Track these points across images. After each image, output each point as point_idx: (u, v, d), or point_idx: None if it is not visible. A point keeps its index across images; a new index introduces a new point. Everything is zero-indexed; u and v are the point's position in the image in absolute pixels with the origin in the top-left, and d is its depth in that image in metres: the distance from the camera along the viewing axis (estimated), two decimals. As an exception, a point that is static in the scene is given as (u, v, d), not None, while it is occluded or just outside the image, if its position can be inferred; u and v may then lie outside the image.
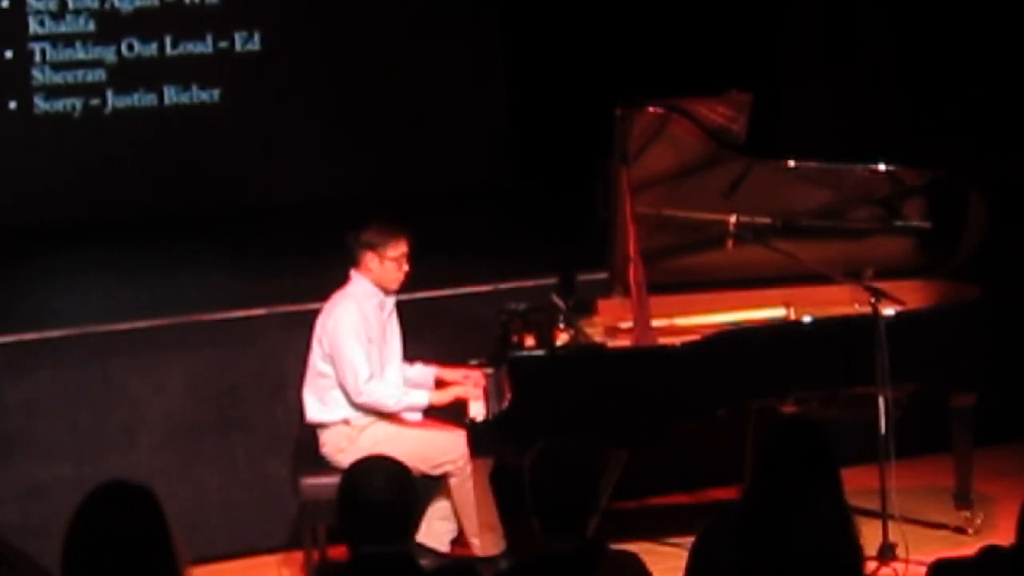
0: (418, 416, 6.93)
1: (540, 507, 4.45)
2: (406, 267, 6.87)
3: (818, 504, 3.17)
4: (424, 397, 6.90)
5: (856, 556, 3.19)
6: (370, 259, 6.83)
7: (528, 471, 4.51)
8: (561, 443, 4.59)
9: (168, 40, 10.56)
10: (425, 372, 7.09)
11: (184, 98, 10.61)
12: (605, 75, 10.10)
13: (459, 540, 6.97)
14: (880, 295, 6.80)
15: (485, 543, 6.86)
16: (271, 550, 7.43)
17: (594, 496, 4.52)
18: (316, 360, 6.86)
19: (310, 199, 10.42)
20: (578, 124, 9.19)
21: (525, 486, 4.49)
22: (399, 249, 6.84)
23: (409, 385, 6.98)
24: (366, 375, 6.76)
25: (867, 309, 6.79)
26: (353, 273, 6.87)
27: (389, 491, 4.25)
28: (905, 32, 9.78)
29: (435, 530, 6.92)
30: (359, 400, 6.77)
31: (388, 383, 6.87)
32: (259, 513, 7.43)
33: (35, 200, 10.20)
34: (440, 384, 7.04)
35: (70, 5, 10.36)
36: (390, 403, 6.83)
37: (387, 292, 6.91)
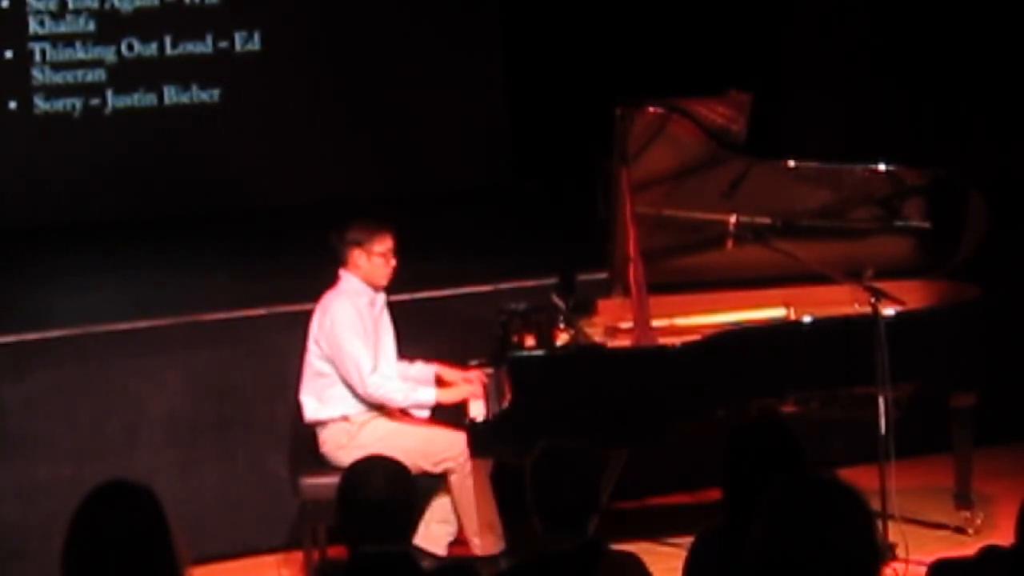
0: (426, 414, 6.93)
1: (540, 507, 4.46)
2: (393, 262, 6.88)
3: (839, 505, 3.17)
4: (432, 395, 6.90)
5: (874, 557, 3.19)
6: (357, 256, 6.84)
7: (528, 471, 4.51)
8: (561, 443, 4.60)
9: (168, 40, 10.56)
10: (426, 371, 7.09)
11: (184, 98, 10.61)
12: (605, 75, 10.09)
13: (458, 540, 6.97)
14: (880, 295, 6.81)
15: (485, 543, 6.86)
16: (271, 550, 7.43)
17: (594, 496, 4.53)
18: (313, 360, 6.87)
19: (310, 199, 10.41)
20: (578, 124, 9.19)
21: (525, 486, 4.50)
22: (385, 244, 6.85)
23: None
24: (370, 367, 6.77)
25: (867, 309, 6.79)
26: (342, 272, 6.88)
27: (389, 491, 4.25)
28: (905, 31, 9.77)
29: (433, 533, 6.91)
30: (367, 392, 6.77)
31: (392, 378, 6.88)
32: (259, 513, 7.43)
33: (35, 200, 10.20)
34: (440, 382, 7.03)
35: (70, 5, 10.35)
36: (398, 397, 6.83)
37: (376, 288, 6.92)
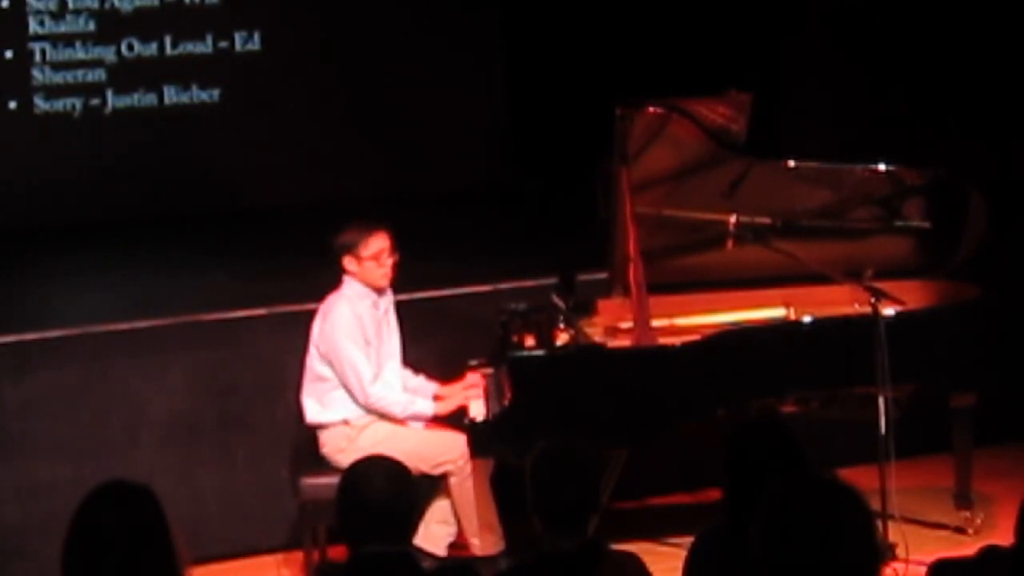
0: (421, 426, 6.92)
1: (540, 507, 4.46)
2: (389, 261, 6.81)
3: (839, 505, 3.18)
4: (429, 407, 6.87)
5: (874, 557, 3.20)
6: (348, 262, 6.80)
7: (528, 471, 4.51)
8: (561, 443, 4.60)
9: (168, 40, 10.56)
10: (426, 387, 7.07)
11: (184, 98, 10.61)
12: (605, 75, 10.09)
13: (457, 542, 6.97)
14: (880, 295, 6.81)
15: (485, 543, 6.86)
16: (271, 550, 7.43)
17: (594, 496, 4.53)
18: (314, 363, 6.85)
19: (310, 199, 10.41)
20: (579, 124, 9.19)
21: (525, 486, 4.50)
22: (375, 246, 6.79)
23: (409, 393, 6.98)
24: (370, 376, 6.75)
25: (867, 309, 6.79)
26: (345, 275, 6.86)
27: (389, 491, 4.26)
28: (905, 31, 9.78)
29: (432, 533, 6.91)
30: (368, 403, 6.76)
31: (393, 388, 6.86)
32: (259, 513, 7.43)
33: (35, 200, 10.19)
34: (438, 401, 7.00)
35: (70, 5, 10.35)
36: (397, 410, 6.82)
37: (379, 291, 6.89)
